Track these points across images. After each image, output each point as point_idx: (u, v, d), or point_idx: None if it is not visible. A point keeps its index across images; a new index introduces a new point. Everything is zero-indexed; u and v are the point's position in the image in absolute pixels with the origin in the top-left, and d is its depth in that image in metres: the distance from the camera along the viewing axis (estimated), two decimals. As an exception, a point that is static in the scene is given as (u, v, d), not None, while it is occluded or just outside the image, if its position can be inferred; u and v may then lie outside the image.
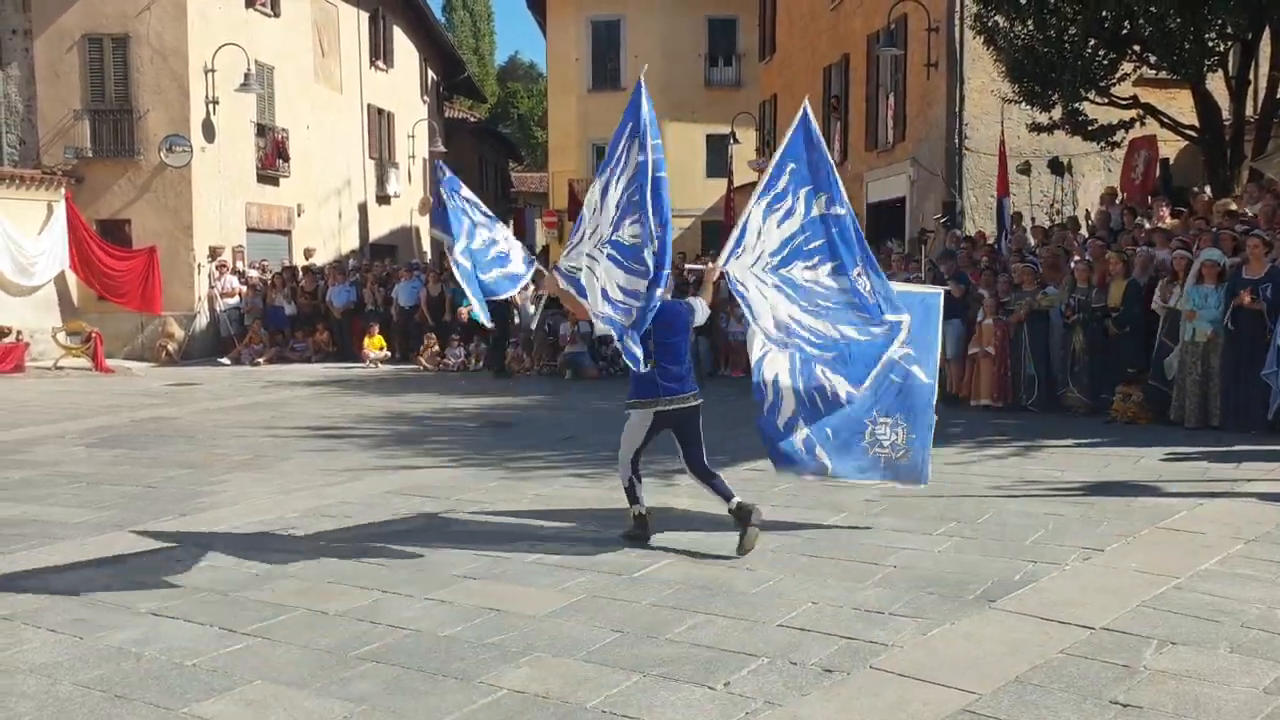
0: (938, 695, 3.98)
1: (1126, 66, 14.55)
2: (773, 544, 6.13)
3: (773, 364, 6.39)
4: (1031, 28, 14.12)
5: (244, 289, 21.02)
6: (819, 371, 6.34)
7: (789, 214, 6.27)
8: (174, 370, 18.90)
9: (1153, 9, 12.75)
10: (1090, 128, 14.89)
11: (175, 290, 20.44)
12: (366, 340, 19.43)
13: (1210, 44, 13.42)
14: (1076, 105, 14.68)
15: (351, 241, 26.42)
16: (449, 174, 7.18)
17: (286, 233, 23.54)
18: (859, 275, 6.28)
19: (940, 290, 7.29)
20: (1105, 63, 14.21)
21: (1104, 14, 13.41)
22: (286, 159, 23.01)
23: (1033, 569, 5.55)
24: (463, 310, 18.71)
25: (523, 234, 40.43)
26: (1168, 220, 12.94)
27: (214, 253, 20.90)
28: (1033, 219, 16.80)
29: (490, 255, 6.50)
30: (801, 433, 6.40)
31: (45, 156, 20.13)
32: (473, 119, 40.82)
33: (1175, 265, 10.74)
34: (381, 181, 28.20)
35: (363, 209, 27.28)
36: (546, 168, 37.63)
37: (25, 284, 19.41)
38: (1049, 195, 18.00)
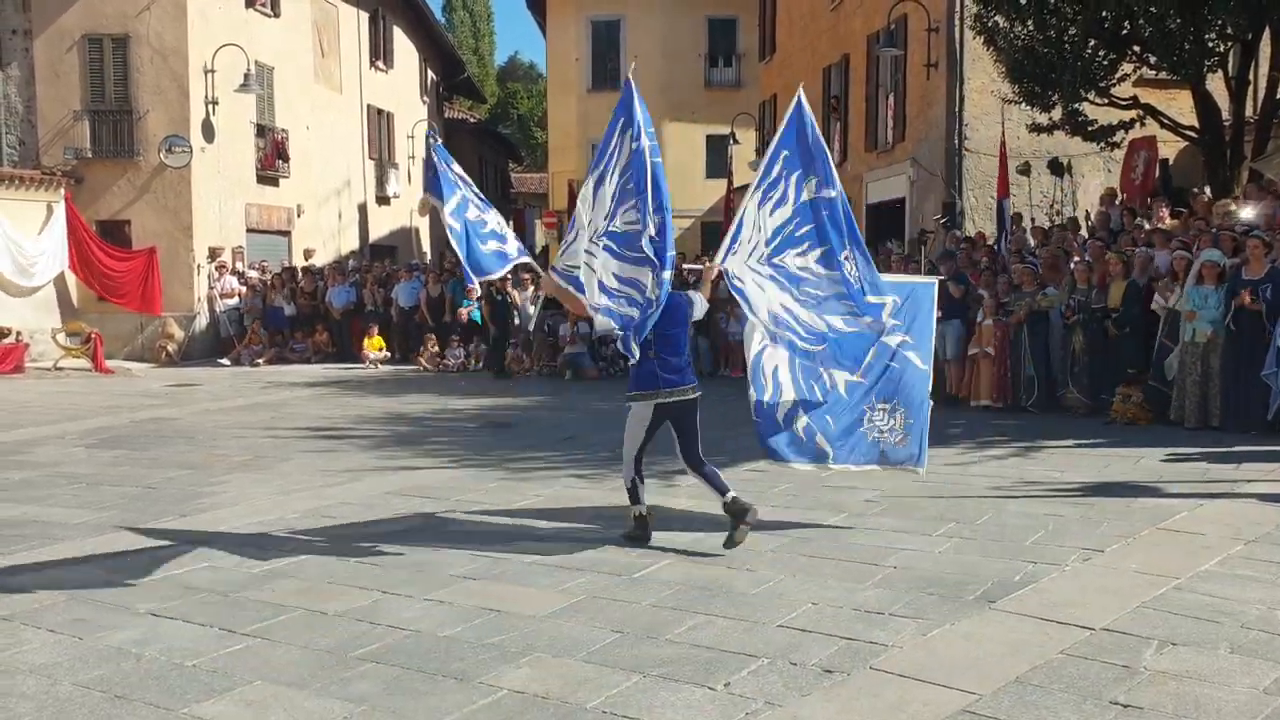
0: (938, 696, 3.98)
1: (1126, 67, 14.55)
2: (773, 544, 6.14)
3: (772, 357, 6.45)
4: (1031, 28, 14.12)
5: (244, 290, 21.01)
6: (817, 364, 6.40)
7: (781, 201, 6.32)
8: (174, 371, 18.90)
9: (1153, 9, 12.75)
10: (1090, 128, 14.89)
11: (175, 291, 20.44)
12: (366, 341, 19.43)
13: (1210, 44, 13.42)
14: (1076, 106, 14.68)
15: (351, 242, 26.42)
16: (439, 142, 7.15)
17: (286, 233, 23.53)
18: (846, 259, 6.31)
19: (934, 280, 7.41)
20: (1105, 63, 14.21)
21: (1104, 14, 13.41)
22: (286, 159, 23.00)
23: (1033, 570, 5.55)
24: (463, 311, 18.72)
25: (523, 234, 40.51)
26: (1167, 221, 12.94)
27: (214, 253, 20.90)
28: (1032, 219, 16.81)
29: (485, 230, 6.46)
30: (802, 421, 6.48)
31: (45, 157, 20.13)
32: (472, 119, 40.81)
33: (1175, 266, 10.75)
34: (381, 182, 28.21)
35: (362, 209, 27.28)
36: (546, 168, 37.64)
37: (25, 285, 19.41)
38: (1049, 196, 18.00)
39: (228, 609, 5.14)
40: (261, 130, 22.23)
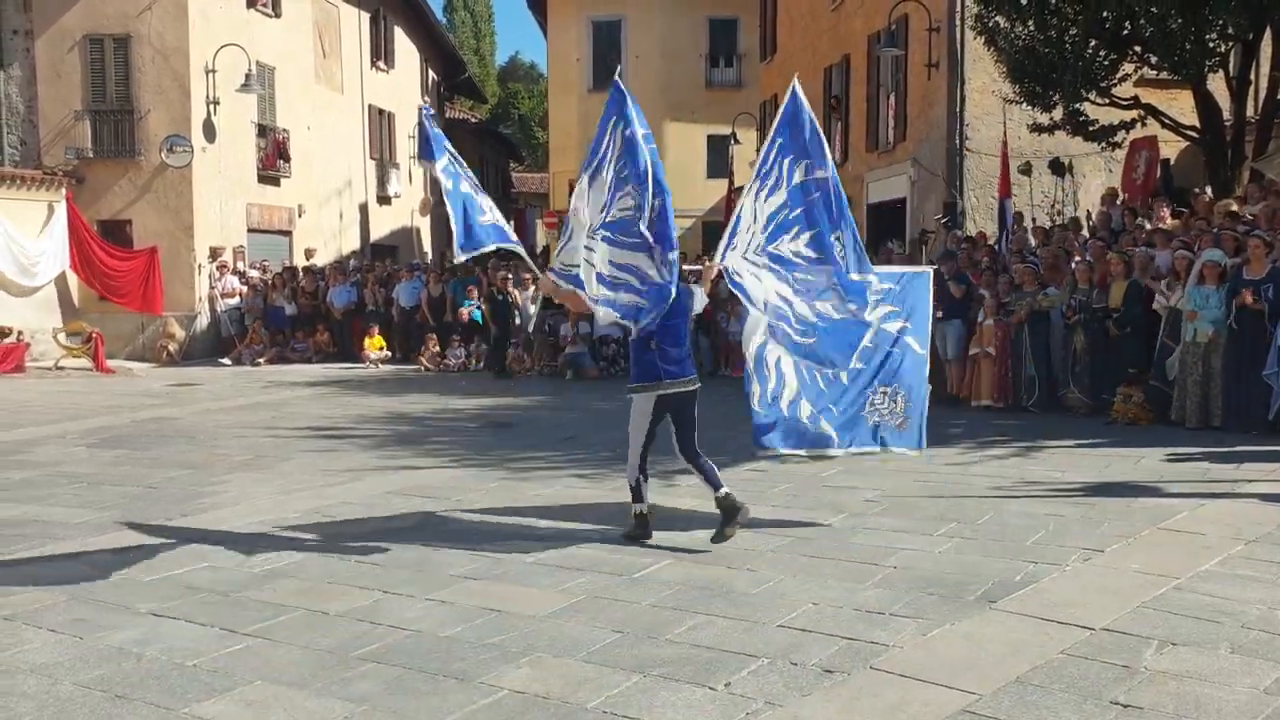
0: (938, 696, 3.98)
1: (1127, 67, 14.55)
2: (773, 544, 6.14)
3: (774, 350, 6.50)
4: (1032, 28, 14.12)
5: (245, 289, 21.02)
6: (811, 355, 6.48)
7: (775, 188, 6.36)
8: (175, 370, 18.91)
9: (1154, 9, 12.74)
10: (1091, 128, 14.88)
11: (176, 291, 20.45)
12: (366, 341, 19.43)
13: (1211, 44, 13.41)
14: (1077, 106, 14.67)
15: (352, 242, 26.43)
16: (431, 114, 7.14)
17: (287, 233, 23.54)
18: (837, 239, 6.36)
19: (929, 269, 7.63)
20: (1106, 63, 14.21)
21: (1105, 14, 13.40)
22: (287, 159, 23.01)
23: (1033, 570, 5.55)
24: (464, 310, 18.73)
25: (524, 234, 40.53)
26: (1168, 221, 12.94)
27: (215, 253, 20.91)
28: (1033, 219, 16.80)
29: (478, 205, 6.45)
30: (806, 409, 6.55)
31: (46, 157, 20.14)
32: (473, 119, 40.81)
33: (1177, 265, 10.75)
34: (382, 182, 28.22)
35: (363, 209, 27.29)
36: (547, 168, 37.62)
37: (26, 284, 19.43)
38: (1050, 196, 18.00)
39: (228, 609, 5.14)
40: (263, 130, 22.23)
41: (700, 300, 6.43)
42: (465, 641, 4.65)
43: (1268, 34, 13.70)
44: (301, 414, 12.73)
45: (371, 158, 27.65)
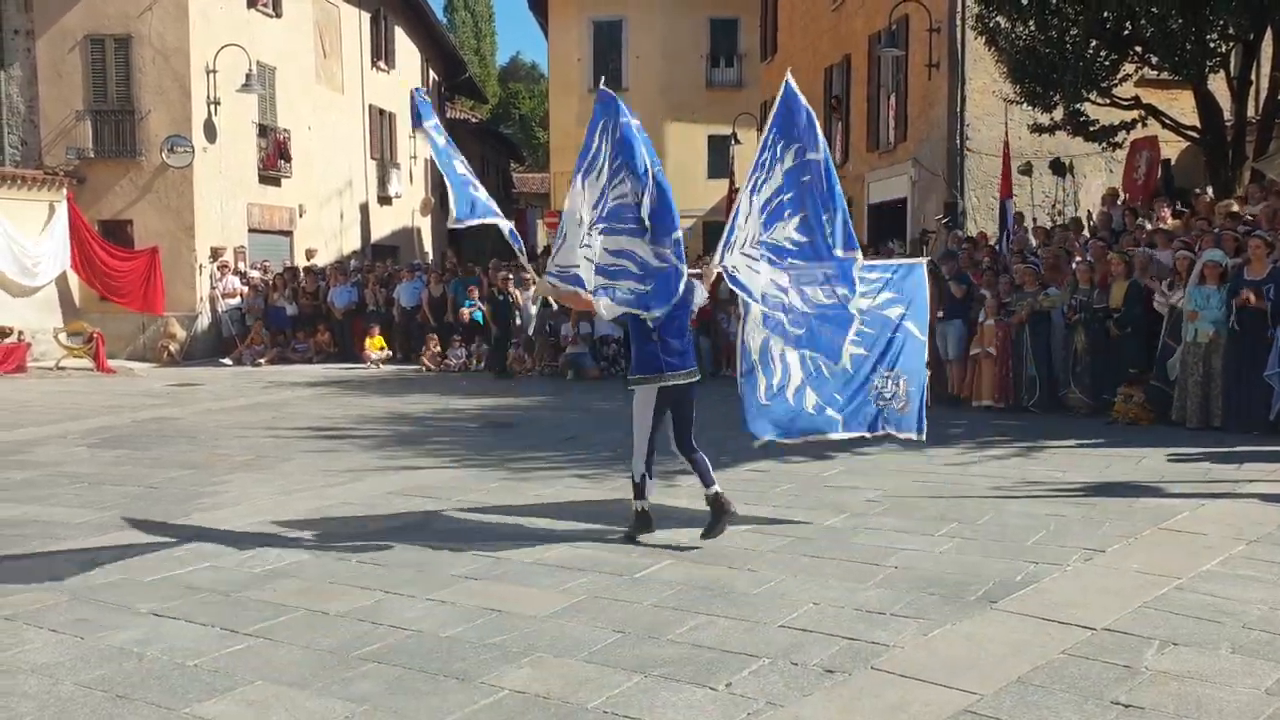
0: (939, 696, 3.98)
1: (1128, 67, 14.54)
2: (774, 545, 6.14)
3: (777, 342, 6.55)
4: (1033, 28, 14.12)
5: (245, 289, 21.03)
6: (806, 345, 6.55)
7: (769, 178, 6.38)
8: (176, 371, 18.91)
9: (1154, 10, 12.74)
10: (1092, 128, 14.88)
11: (177, 291, 20.45)
12: (367, 341, 19.44)
13: (1212, 45, 13.41)
14: (1078, 106, 14.67)
15: (353, 242, 26.44)
16: (424, 92, 7.16)
17: (288, 233, 23.55)
18: (827, 220, 6.40)
19: (922, 260, 7.80)
20: (1107, 63, 14.20)
21: (1105, 15, 13.40)
22: (288, 159, 23.02)
23: (1034, 570, 5.55)
24: (464, 311, 18.73)
25: (525, 234, 40.51)
26: (1169, 221, 12.94)
27: (215, 253, 20.92)
28: (1034, 220, 16.80)
29: (472, 181, 6.45)
30: (811, 399, 6.62)
31: (47, 157, 20.15)
32: (474, 119, 40.80)
33: (1178, 265, 10.75)
34: (383, 182, 28.22)
35: (364, 209, 27.29)
36: (548, 168, 37.60)
37: (27, 284, 19.44)
38: (1050, 196, 17.99)
39: (229, 609, 5.14)
40: (263, 130, 22.24)
41: (701, 294, 6.45)
42: (466, 641, 4.65)
43: (1268, 34, 13.70)
44: (302, 414, 12.74)
45: (372, 158, 27.66)
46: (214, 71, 20.47)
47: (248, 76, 20.41)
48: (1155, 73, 14.97)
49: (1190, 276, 10.41)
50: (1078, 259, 12.15)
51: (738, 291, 6.49)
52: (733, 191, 24.79)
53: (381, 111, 28.15)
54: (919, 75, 18.94)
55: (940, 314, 12.30)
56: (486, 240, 28.66)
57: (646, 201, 5.99)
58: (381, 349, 19.41)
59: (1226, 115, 14.45)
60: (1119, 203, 15.04)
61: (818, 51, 24.05)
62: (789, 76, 6.55)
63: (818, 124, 6.49)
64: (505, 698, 4.05)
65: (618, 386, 13.69)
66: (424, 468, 9.01)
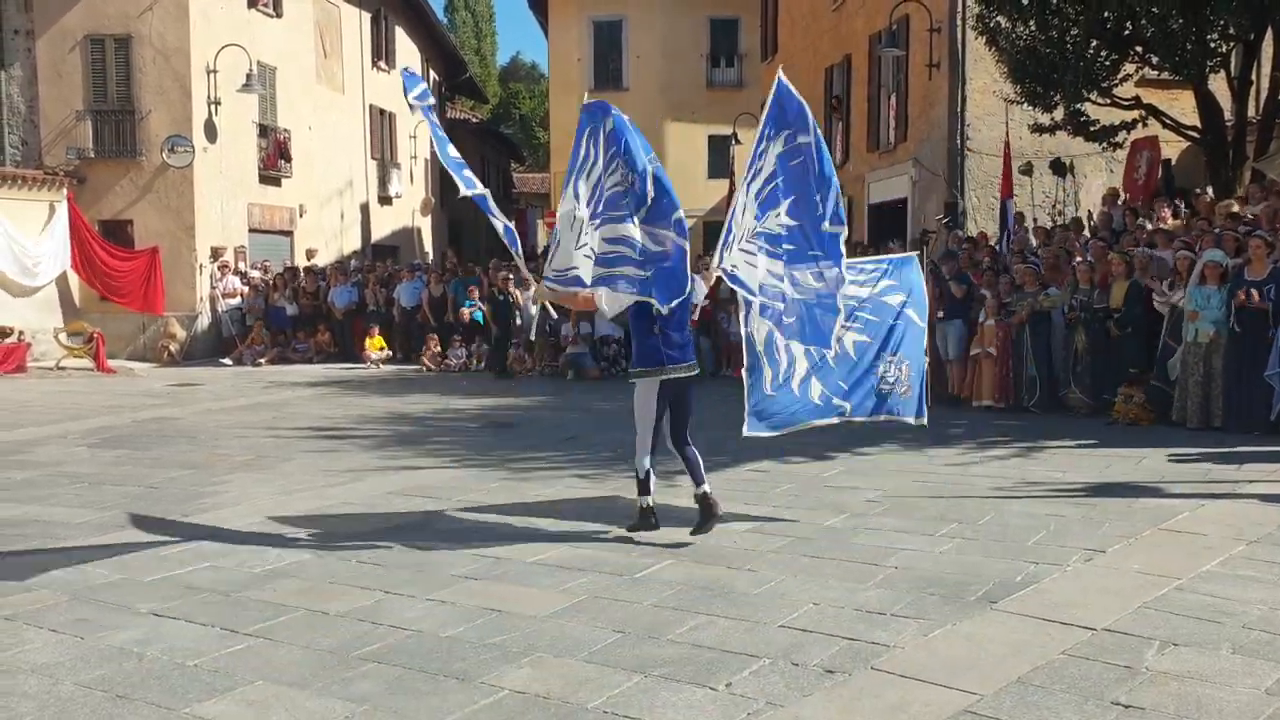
0: (939, 696, 3.98)
1: (1128, 67, 14.54)
2: (774, 545, 6.14)
3: (779, 334, 6.58)
4: (1033, 28, 14.11)
5: (246, 289, 21.04)
6: (802, 334, 6.60)
7: (761, 168, 6.40)
8: (176, 371, 18.92)
9: (1155, 10, 12.74)
10: (1092, 128, 14.87)
11: (177, 291, 20.46)
12: (368, 341, 19.44)
13: (1212, 45, 13.40)
14: (1078, 106, 14.66)
15: (353, 242, 26.44)
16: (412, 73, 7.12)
17: (288, 233, 23.55)
18: (820, 199, 6.43)
19: (914, 254, 8.02)
20: (1107, 63, 14.20)
21: (1106, 15, 13.40)
22: (288, 159, 23.03)
23: (1034, 570, 5.55)
24: (465, 311, 18.73)
25: (525, 234, 40.51)
26: (1169, 221, 12.94)
27: (216, 253, 20.93)
28: (1034, 220, 16.80)
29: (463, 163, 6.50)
30: (817, 388, 6.68)
31: (47, 157, 20.15)
32: (475, 119, 40.79)
33: (1179, 265, 10.75)
34: (383, 182, 28.22)
35: (364, 209, 27.29)
36: (549, 168, 37.58)
37: (28, 284, 19.45)
38: (1051, 196, 17.98)
39: (229, 609, 5.14)
40: (264, 130, 22.25)
41: (701, 289, 6.46)
42: (466, 641, 4.65)
43: (1269, 34, 13.69)
44: (302, 414, 12.74)
45: (373, 158, 27.66)
46: (214, 71, 20.47)
47: (248, 76, 20.41)
48: (1156, 73, 14.96)
49: (1191, 276, 10.41)
50: (1078, 259, 12.14)
51: (738, 289, 6.49)
52: (733, 192, 24.82)
53: (382, 111, 28.15)
54: (919, 75, 18.93)
55: (940, 314, 12.30)
56: (483, 237, 28.67)
57: (644, 180, 6.01)
58: (382, 349, 19.41)
59: (1227, 115, 14.45)
60: (1119, 203, 15.03)
61: (818, 51, 24.05)
62: (780, 73, 6.58)
63: (809, 112, 6.50)
64: (505, 698, 4.05)
65: (618, 386, 13.69)
66: (424, 468, 9.01)
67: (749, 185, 6.39)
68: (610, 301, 6.22)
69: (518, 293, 17.48)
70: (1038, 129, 15.42)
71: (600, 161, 6.08)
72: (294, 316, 20.65)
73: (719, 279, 6.57)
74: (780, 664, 4.32)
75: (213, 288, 20.89)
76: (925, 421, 7.12)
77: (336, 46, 25.69)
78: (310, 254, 23.17)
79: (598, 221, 6.10)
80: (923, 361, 7.09)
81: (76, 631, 4.86)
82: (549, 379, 16.74)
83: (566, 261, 6.17)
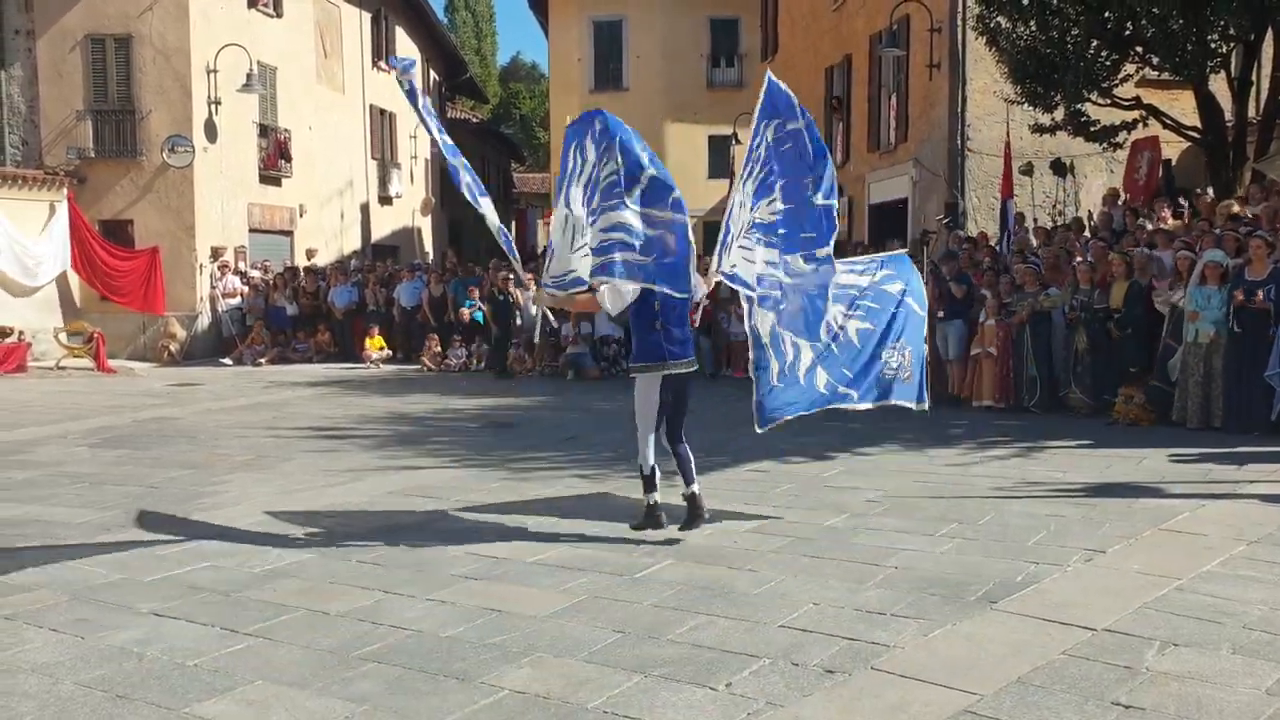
0: (939, 696, 3.98)
1: (1129, 68, 14.54)
2: (774, 545, 6.14)
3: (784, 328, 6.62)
4: (1034, 29, 14.11)
5: (246, 289, 21.04)
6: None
7: (755, 160, 6.41)
8: (176, 370, 18.92)
9: (1155, 10, 12.74)
10: (1092, 129, 14.87)
11: (177, 291, 20.46)
12: (368, 341, 19.45)
13: (1213, 45, 13.40)
14: (1079, 106, 14.66)
15: (353, 242, 26.44)
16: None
17: (289, 233, 23.55)
18: (810, 184, 6.45)
19: (903, 251, 8.16)
20: (1107, 64, 14.20)
21: (1106, 15, 13.40)
22: (289, 159, 23.03)
23: (1034, 570, 5.55)
24: (465, 311, 18.73)
25: (525, 234, 40.55)
26: (1169, 221, 12.94)
27: (216, 253, 20.93)
28: (1035, 220, 16.80)
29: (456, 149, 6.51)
30: (823, 377, 6.71)
31: (48, 157, 20.16)
32: (475, 119, 40.80)
33: (1179, 265, 10.75)
34: (384, 182, 28.22)
35: (365, 209, 27.29)
36: (549, 168, 37.61)
37: (28, 284, 19.45)
38: (1051, 196, 17.99)
39: (230, 609, 5.14)
40: (264, 130, 22.25)
41: (702, 289, 6.46)
42: (466, 641, 4.65)
43: (1269, 35, 13.69)
44: (303, 414, 12.74)
45: (373, 158, 27.66)
46: (215, 71, 20.47)
47: (248, 76, 20.42)
48: (1156, 73, 14.97)
49: (1191, 277, 10.41)
50: (1078, 259, 12.14)
51: (739, 288, 6.49)
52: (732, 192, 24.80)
53: (382, 111, 28.16)
54: (920, 75, 18.94)
55: (941, 314, 12.31)
56: (483, 238, 28.64)
57: (634, 157, 6.03)
58: (382, 349, 19.42)
59: (1227, 116, 14.45)
60: (1120, 203, 15.03)
61: (819, 52, 24.05)
62: (768, 73, 6.61)
63: (797, 102, 6.50)
64: (505, 698, 4.05)
65: (618, 386, 13.70)
66: (424, 468, 9.01)
67: (744, 183, 6.39)
68: (613, 300, 6.20)
69: (518, 293, 17.48)
70: (1038, 129, 15.42)
71: (592, 157, 6.09)
72: (294, 316, 20.65)
73: (718, 285, 6.58)
74: (780, 664, 4.32)
75: (213, 287, 20.89)
76: (926, 407, 7.16)
77: (337, 46, 25.69)
78: (310, 254, 23.17)
79: (594, 218, 6.10)
80: (923, 348, 7.16)
81: (76, 631, 4.86)
82: (549, 379, 16.74)
83: (563, 266, 6.18)
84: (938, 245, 16.49)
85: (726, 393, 11.76)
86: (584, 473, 8.58)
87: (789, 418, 6.69)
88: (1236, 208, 12.06)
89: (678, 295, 6.11)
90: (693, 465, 6.31)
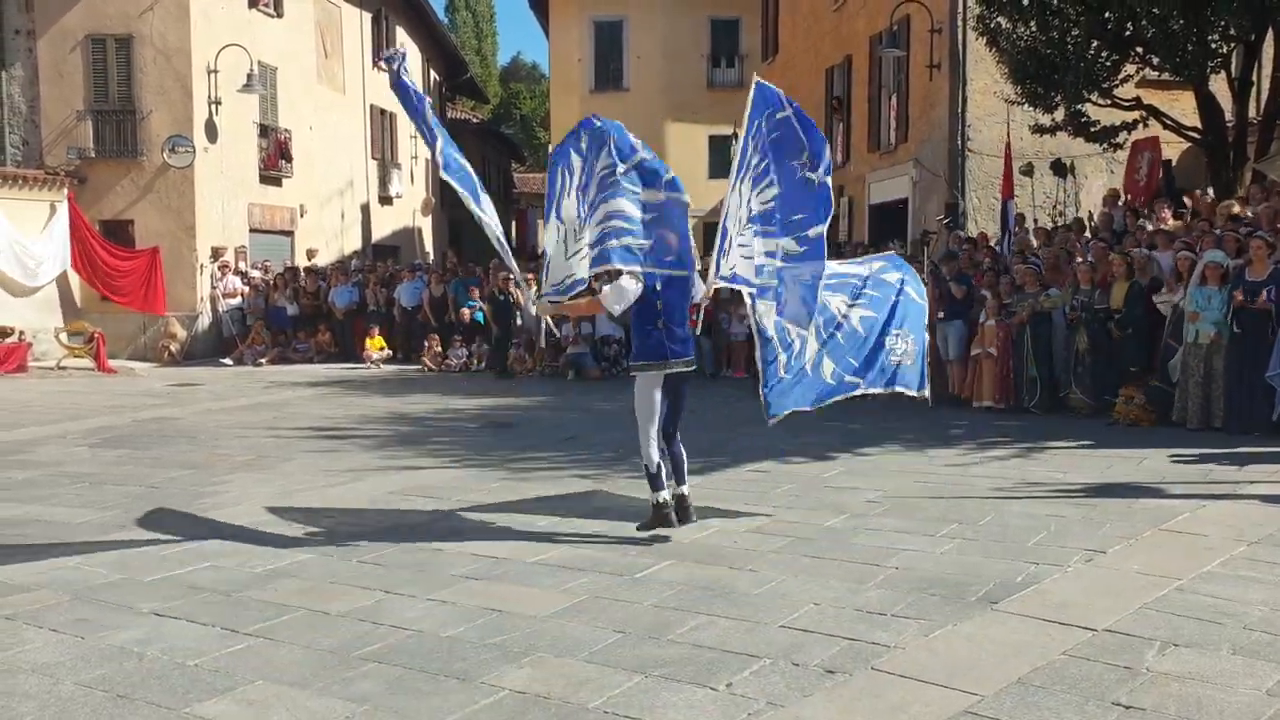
0: (939, 696, 3.98)
1: (1129, 68, 14.54)
2: (774, 545, 6.14)
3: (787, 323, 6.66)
4: (1034, 29, 14.12)
5: (246, 289, 21.05)
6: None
7: (750, 157, 6.42)
8: (176, 370, 18.92)
9: (1155, 10, 12.74)
10: (1093, 129, 14.88)
11: (178, 291, 20.47)
12: (368, 341, 19.45)
13: (1213, 45, 13.41)
14: (1079, 107, 14.67)
15: (354, 242, 26.45)
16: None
17: (289, 233, 23.56)
18: (801, 164, 6.49)
19: (893, 253, 8.36)
20: (1108, 64, 14.20)
21: (1107, 15, 13.40)
22: (289, 159, 23.03)
23: (1035, 570, 5.55)
24: (465, 311, 18.73)
25: (525, 234, 40.55)
26: (1170, 222, 12.94)
27: (216, 253, 20.93)
28: (1035, 220, 16.81)
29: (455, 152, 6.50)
30: (829, 366, 6.76)
31: (48, 157, 20.16)
32: (475, 120, 40.81)
33: (1180, 266, 10.75)
34: (384, 182, 28.22)
35: (365, 209, 27.30)
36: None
37: (29, 284, 19.46)
38: (1051, 197, 17.99)
39: (230, 609, 5.14)
40: (264, 130, 22.25)
41: (702, 289, 6.46)
42: (467, 641, 4.65)
43: (1269, 35, 13.70)
44: (303, 414, 12.74)
45: (373, 158, 27.66)
46: (215, 71, 20.48)
47: (249, 76, 20.42)
48: (1156, 74, 14.97)
49: (1191, 277, 10.41)
50: (1079, 260, 12.14)
51: (740, 288, 6.49)
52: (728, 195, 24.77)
53: (383, 111, 28.15)
54: (920, 76, 18.94)
55: (941, 314, 12.31)
56: (483, 237, 28.62)
57: (642, 161, 6.08)
58: (382, 349, 19.42)
59: (1228, 116, 14.45)
60: (1120, 203, 15.03)
61: (819, 52, 24.05)
62: (756, 76, 6.62)
63: (781, 94, 6.52)
64: (505, 698, 4.05)
65: (618, 386, 13.70)
66: (425, 468, 9.01)
67: (740, 183, 6.38)
68: (616, 299, 6.18)
69: (518, 293, 17.48)
70: (1038, 130, 15.43)
71: (580, 164, 6.12)
72: (294, 316, 20.65)
73: (716, 292, 6.59)
74: (781, 664, 4.32)
75: (213, 288, 20.90)
76: (928, 394, 7.21)
77: (337, 46, 25.70)
78: (311, 254, 23.17)
79: (591, 213, 6.10)
80: (924, 336, 7.22)
81: (77, 631, 4.86)
82: (549, 379, 16.74)
83: (561, 273, 6.18)
84: (938, 245, 16.49)
85: (726, 393, 11.76)
86: (584, 473, 8.57)
87: (801, 409, 6.70)
88: (1237, 208, 12.06)
89: (678, 274, 6.16)
90: (685, 466, 6.32)
